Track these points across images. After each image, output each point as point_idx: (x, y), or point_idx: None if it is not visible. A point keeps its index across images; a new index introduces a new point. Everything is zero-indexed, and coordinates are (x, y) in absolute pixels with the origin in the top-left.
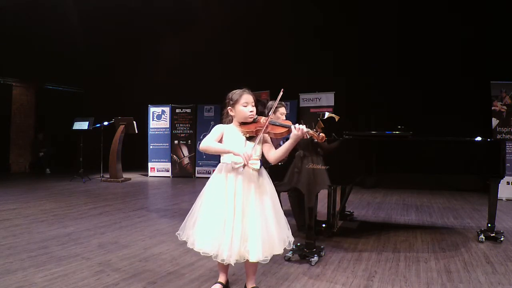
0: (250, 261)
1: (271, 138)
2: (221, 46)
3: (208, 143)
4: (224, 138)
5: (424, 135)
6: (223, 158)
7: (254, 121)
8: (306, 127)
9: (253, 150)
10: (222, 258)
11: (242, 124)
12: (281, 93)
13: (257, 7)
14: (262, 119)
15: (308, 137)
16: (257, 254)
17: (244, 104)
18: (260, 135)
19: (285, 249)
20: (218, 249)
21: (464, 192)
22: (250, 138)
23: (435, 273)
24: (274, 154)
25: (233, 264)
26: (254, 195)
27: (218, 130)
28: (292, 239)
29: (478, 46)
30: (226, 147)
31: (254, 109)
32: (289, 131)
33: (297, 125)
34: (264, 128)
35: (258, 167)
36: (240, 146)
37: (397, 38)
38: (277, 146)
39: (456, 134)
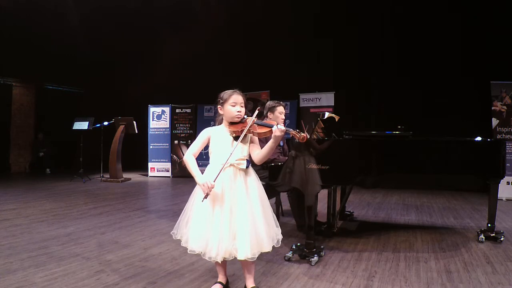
0: (238, 258)
1: (258, 138)
2: (221, 46)
3: (186, 158)
4: (211, 140)
5: (424, 135)
6: (211, 160)
7: (242, 122)
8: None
9: (236, 149)
10: (209, 256)
11: (231, 124)
12: (256, 111)
13: (257, 7)
14: (249, 119)
15: (290, 136)
16: (245, 252)
17: (232, 104)
18: (243, 133)
19: (273, 246)
20: (206, 247)
21: (464, 192)
22: (237, 138)
23: (435, 273)
24: (258, 154)
25: (219, 262)
26: (242, 194)
27: (203, 136)
28: (280, 237)
29: (478, 46)
30: (195, 173)
31: (243, 109)
32: (272, 132)
33: (278, 125)
34: (248, 126)
35: (245, 167)
36: (227, 146)
37: (397, 38)
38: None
39: (456, 134)
